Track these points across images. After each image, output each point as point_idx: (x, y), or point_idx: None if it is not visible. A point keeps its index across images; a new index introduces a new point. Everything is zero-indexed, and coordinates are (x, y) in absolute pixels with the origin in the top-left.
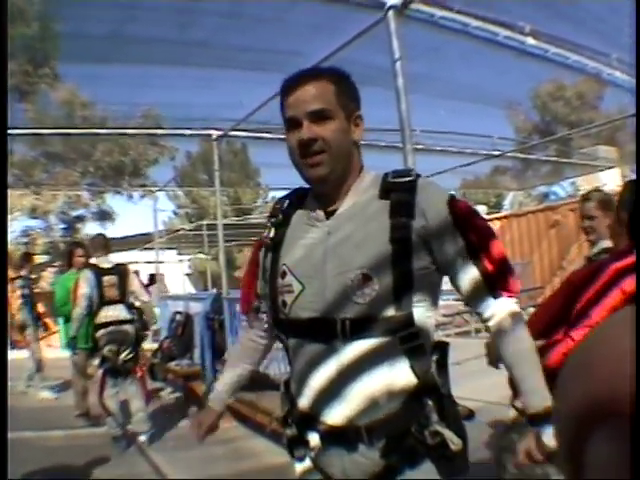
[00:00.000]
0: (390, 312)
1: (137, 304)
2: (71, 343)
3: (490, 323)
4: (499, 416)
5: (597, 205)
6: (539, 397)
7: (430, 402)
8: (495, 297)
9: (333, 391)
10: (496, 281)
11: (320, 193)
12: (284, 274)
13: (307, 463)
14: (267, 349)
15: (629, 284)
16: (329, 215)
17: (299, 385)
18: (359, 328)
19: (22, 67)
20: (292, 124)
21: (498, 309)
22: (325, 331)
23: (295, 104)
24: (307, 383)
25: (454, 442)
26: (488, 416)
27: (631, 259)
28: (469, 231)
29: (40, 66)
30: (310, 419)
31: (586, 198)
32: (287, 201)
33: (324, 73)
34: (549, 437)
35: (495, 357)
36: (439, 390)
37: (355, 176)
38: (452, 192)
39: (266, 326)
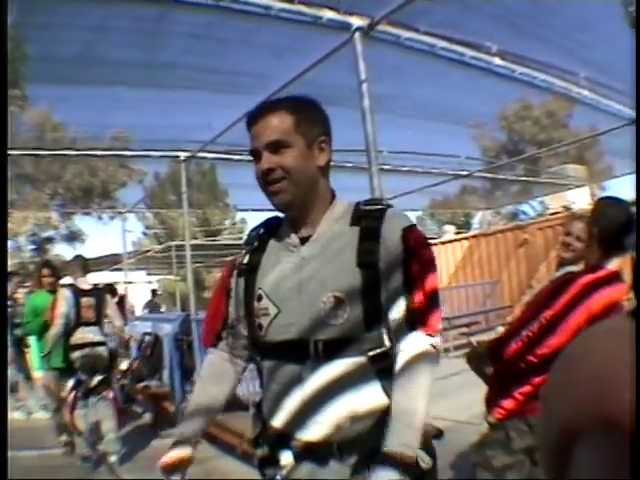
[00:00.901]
0: (361, 333)
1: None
2: (43, 360)
3: (397, 358)
4: (468, 435)
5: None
6: (401, 440)
7: None
8: (411, 331)
9: (307, 409)
10: (418, 315)
11: (291, 219)
12: (260, 297)
13: None
14: (241, 371)
15: (596, 302)
16: (303, 241)
17: (273, 405)
18: (332, 349)
19: None
20: (255, 156)
21: (409, 344)
22: (299, 352)
23: (255, 136)
24: (281, 403)
25: (425, 461)
26: (457, 435)
27: (601, 273)
28: (412, 261)
29: (10, 88)
30: (283, 438)
31: (579, 217)
32: (262, 229)
33: (282, 104)
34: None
35: (476, 366)
36: None
37: (325, 202)
38: (420, 215)
39: (238, 348)
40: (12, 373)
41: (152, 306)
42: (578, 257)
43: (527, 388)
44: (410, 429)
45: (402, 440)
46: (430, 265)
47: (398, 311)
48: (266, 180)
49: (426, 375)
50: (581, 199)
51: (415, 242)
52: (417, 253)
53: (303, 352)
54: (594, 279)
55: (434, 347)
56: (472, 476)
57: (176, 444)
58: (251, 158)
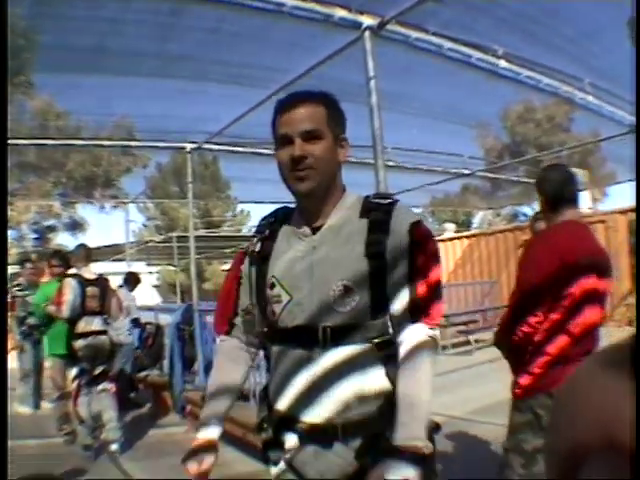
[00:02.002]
0: (368, 321)
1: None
2: (49, 347)
3: (399, 348)
4: (464, 430)
5: None
6: (411, 433)
7: None
8: (413, 322)
9: (312, 393)
10: (420, 307)
11: (305, 208)
12: (273, 285)
13: (282, 466)
14: (254, 357)
15: (561, 239)
16: (314, 231)
17: (279, 389)
18: (339, 335)
19: None
20: (284, 141)
21: (410, 336)
22: (308, 338)
23: (289, 123)
24: (288, 387)
25: (427, 446)
26: (453, 430)
27: (557, 224)
28: (418, 254)
29: (16, 75)
30: (288, 420)
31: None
32: (273, 218)
33: (317, 97)
34: (398, 474)
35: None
36: None
37: (338, 195)
38: (420, 212)
39: (250, 335)
40: (26, 362)
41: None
42: None
43: (541, 359)
44: (417, 421)
45: (412, 433)
46: (434, 258)
47: (401, 301)
48: (295, 167)
49: (428, 366)
50: (583, 203)
51: (421, 236)
52: (423, 246)
53: (312, 338)
54: (552, 228)
55: (433, 338)
56: (506, 461)
57: (201, 427)
58: (256, 151)
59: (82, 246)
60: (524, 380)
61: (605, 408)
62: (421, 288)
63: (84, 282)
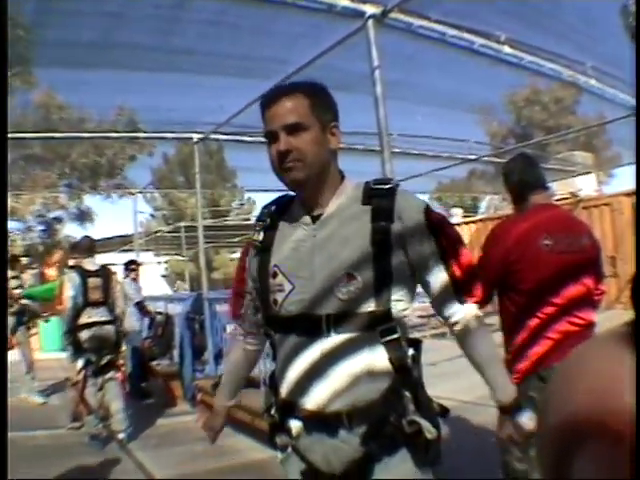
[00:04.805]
0: (371, 307)
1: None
2: (62, 339)
3: (457, 327)
4: (473, 415)
5: None
6: (508, 392)
7: (407, 393)
8: (461, 302)
9: (317, 380)
10: (463, 287)
11: (302, 198)
12: (275, 274)
13: (289, 451)
14: (259, 354)
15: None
16: (315, 219)
17: (284, 376)
18: (342, 322)
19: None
20: (271, 137)
21: (464, 314)
22: (311, 326)
23: (272, 119)
24: (292, 374)
25: (430, 431)
26: (462, 414)
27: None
28: (442, 238)
29: (18, 69)
30: (293, 407)
31: None
32: (274, 207)
33: (298, 88)
34: (523, 422)
35: None
36: (415, 383)
37: (335, 182)
38: (427, 198)
39: (256, 329)
40: (27, 354)
41: None
42: None
43: (520, 337)
44: (503, 376)
45: (508, 390)
46: (459, 239)
47: (441, 285)
48: (282, 161)
49: (491, 335)
50: (588, 186)
51: (437, 220)
52: (443, 230)
53: (315, 326)
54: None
55: (480, 316)
56: (504, 448)
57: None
58: (262, 139)
59: (86, 238)
60: (520, 365)
61: (599, 391)
62: (457, 269)
63: (85, 274)
